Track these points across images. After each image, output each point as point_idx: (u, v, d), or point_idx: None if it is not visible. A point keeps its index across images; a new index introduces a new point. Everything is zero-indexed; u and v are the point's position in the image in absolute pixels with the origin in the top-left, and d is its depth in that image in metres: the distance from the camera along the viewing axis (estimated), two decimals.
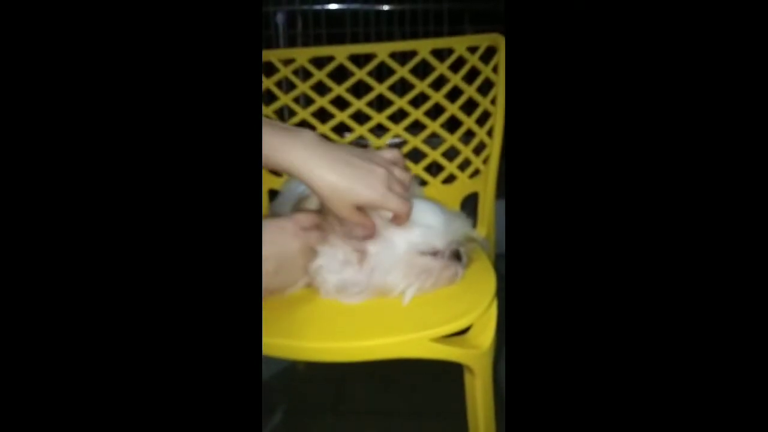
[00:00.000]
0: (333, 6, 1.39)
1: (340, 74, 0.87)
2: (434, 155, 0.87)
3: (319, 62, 0.87)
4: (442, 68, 0.85)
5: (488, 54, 0.82)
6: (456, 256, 0.57)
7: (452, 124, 0.86)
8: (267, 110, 0.88)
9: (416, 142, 0.87)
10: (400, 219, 0.52)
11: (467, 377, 0.59)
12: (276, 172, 0.88)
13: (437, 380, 0.95)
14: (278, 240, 0.52)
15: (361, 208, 0.49)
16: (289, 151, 0.46)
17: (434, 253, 0.55)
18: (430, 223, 0.56)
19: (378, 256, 0.54)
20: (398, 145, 0.88)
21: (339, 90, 0.87)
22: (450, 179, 0.86)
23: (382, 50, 0.86)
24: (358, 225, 0.51)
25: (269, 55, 0.88)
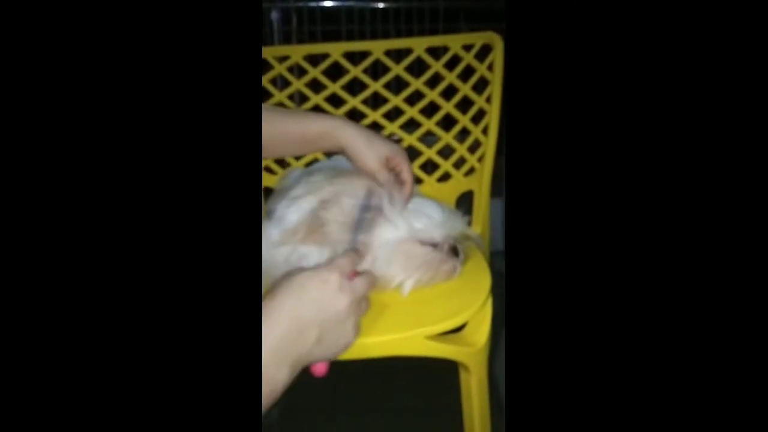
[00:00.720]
0: (328, 3, 1.39)
1: (335, 72, 0.87)
2: (429, 153, 0.87)
3: (314, 59, 0.87)
4: (437, 66, 0.85)
5: (483, 52, 0.82)
6: (453, 251, 0.57)
7: (447, 122, 0.86)
8: None
9: (411, 140, 0.87)
10: (407, 185, 0.58)
11: (462, 374, 0.59)
12: (270, 170, 0.87)
13: (433, 378, 0.95)
14: (321, 299, 0.39)
15: (386, 162, 0.57)
16: (327, 120, 0.57)
17: (433, 245, 0.56)
18: (431, 214, 0.56)
19: (380, 246, 0.54)
20: None
21: (334, 87, 0.87)
22: (445, 177, 0.87)
23: (377, 48, 0.86)
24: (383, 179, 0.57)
25: (264, 52, 0.88)
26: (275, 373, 0.37)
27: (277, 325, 0.37)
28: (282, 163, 0.89)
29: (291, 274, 0.41)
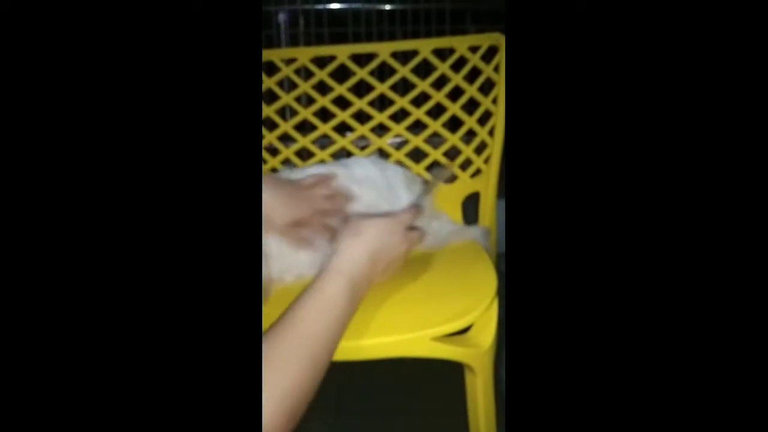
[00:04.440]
0: (335, 5, 1.39)
1: (341, 74, 0.87)
2: (435, 155, 0.87)
3: (321, 62, 0.87)
4: (443, 68, 0.85)
5: (490, 53, 0.82)
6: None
7: (453, 124, 0.86)
8: (269, 110, 0.89)
9: (417, 141, 0.87)
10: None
11: (468, 376, 0.59)
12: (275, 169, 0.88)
13: (438, 379, 0.95)
14: (390, 241, 0.51)
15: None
16: None
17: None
18: None
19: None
20: (399, 145, 0.88)
21: (340, 89, 0.87)
22: (451, 179, 0.86)
23: (383, 50, 0.86)
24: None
25: (271, 55, 0.88)
26: (338, 292, 0.45)
27: (356, 254, 0.48)
28: (290, 163, 0.89)
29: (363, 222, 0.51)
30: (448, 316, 0.52)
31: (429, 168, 0.87)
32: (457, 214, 0.85)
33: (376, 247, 0.50)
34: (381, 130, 0.88)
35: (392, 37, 1.39)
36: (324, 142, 0.90)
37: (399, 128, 0.87)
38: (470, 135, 0.85)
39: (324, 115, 0.89)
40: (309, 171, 0.69)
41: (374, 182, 0.69)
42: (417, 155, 0.87)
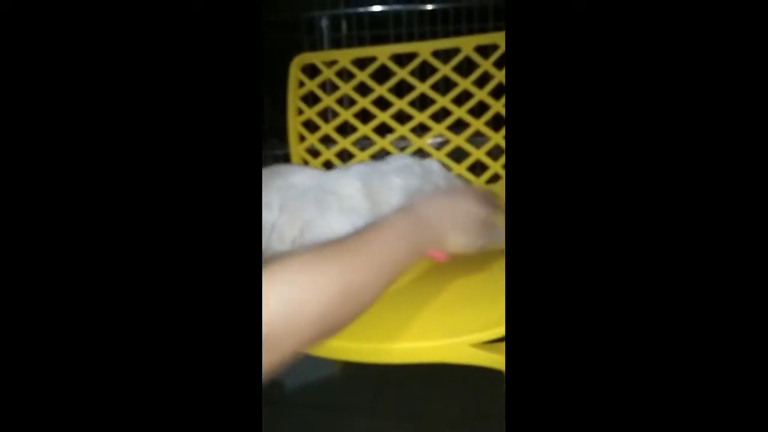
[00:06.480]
0: (376, 8, 1.39)
1: (382, 74, 0.87)
2: (478, 154, 0.85)
3: (362, 63, 0.88)
4: (486, 65, 0.83)
5: None
6: None
7: (497, 122, 0.83)
8: (311, 112, 0.89)
9: (459, 141, 0.85)
10: None
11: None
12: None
13: (477, 383, 0.92)
14: (461, 202, 0.51)
15: None
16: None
17: None
18: None
19: None
20: (440, 145, 0.87)
21: (381, 90, 0.87)
22: (494, 179, 0.84)
23: (424, 49, 0.85)
24: None
25: (313, 58, 0.89)
26: (403, 227, 0.44)
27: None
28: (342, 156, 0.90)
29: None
30: (488, 323, 0.50)
31: (471, 168, 0.85)
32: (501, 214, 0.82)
33: (446, 203, 0.49)
34: (421, 130, 0.87)
35: (434, 37, 1.37)
36: (364, 143, 0.90)
37: (440, 128, 0.85)
38: None
39: (365, 116, 0.89)
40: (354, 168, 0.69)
41: (413, 170, 0.68)
42: (459, 155, 0.85)
